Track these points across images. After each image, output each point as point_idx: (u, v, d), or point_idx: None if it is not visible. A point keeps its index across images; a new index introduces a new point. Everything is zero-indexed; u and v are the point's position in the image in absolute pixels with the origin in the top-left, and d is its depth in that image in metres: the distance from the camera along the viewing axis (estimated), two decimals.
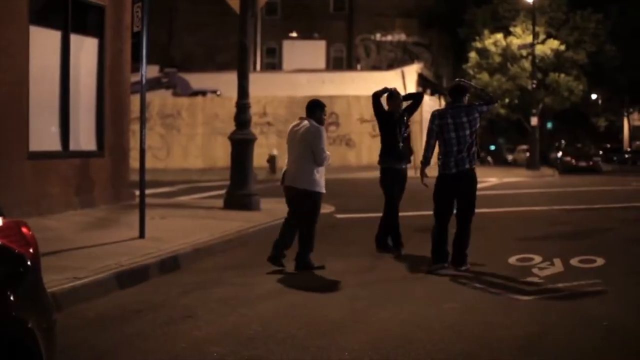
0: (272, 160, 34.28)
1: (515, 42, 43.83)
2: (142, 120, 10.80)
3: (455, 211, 9.63)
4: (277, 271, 9.46)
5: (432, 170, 9.58)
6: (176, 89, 43.82)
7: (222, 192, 16.57)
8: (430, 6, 49.52)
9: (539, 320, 6.98)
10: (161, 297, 8.01)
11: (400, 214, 11.01)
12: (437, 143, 9.62)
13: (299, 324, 6.83)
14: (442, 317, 7.13)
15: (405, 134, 10.84)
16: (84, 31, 14.48)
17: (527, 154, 46.73)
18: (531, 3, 42.19)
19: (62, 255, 9.13)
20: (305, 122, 9.62)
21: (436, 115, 9.53)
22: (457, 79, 10.25)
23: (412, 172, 12.00)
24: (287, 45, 51.66)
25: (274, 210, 14.75)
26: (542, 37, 43.62)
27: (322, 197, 9.68)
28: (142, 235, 10.74)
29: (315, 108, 9.68)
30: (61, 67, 13.81)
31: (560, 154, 45.70)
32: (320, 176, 9.51)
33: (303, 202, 9.53)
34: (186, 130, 41.20)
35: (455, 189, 9.51)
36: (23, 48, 12.66)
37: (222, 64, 45.62)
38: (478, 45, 44.78)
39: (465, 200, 9.53)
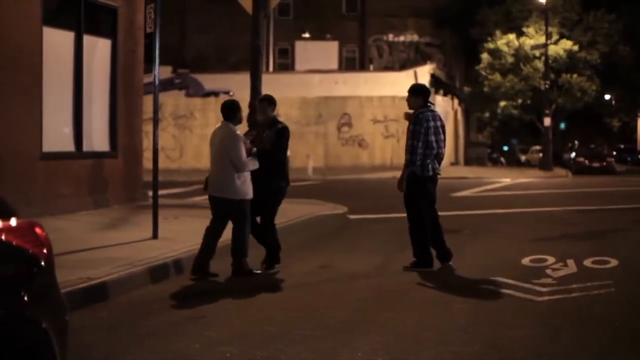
0: None
1: (527, 42, 43.67)
2: (155, 120, 10.84)
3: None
4: (287, 273, 9.46)
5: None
6: (189, 89, 43.85)
7: None
8: (442, 7, 49.34)
9: (551, 321, 6.96)
10: (173, 297, 8.04)
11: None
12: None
13: (310, 325, 6.84)
14: (453, 318, 7.13)
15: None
16: (97, 32, 14.54)
17: (540, 155, 46.55)
18: (544, 3, 42.03)
19: (75, 255, 9.17)
20: (222, 126, 9.34)
21: (423, 118, 9.57)
22: (416, 83, 10.52)
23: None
24: (299, 46, 51.65)
25: (285, 210, 14.68)
26: (555, 37, 43.44)
27: (249, 203, 9.16)
28: (155, 235, 10.77)
29: (234, 110, 9.35)
30: (74, 68, 13.87)
31: (573, 154, 45.47)
32: (243, 182, 9.04)
33: (230, 211, 9.14)
34: (199, 131, 41.20)
35: (431, 190, 9.80)
36: (36, 49, 12.73)
37: (234, 64, 45.57)
38: (490, 45, 44.63)
39: (434, 200, 9.91)
